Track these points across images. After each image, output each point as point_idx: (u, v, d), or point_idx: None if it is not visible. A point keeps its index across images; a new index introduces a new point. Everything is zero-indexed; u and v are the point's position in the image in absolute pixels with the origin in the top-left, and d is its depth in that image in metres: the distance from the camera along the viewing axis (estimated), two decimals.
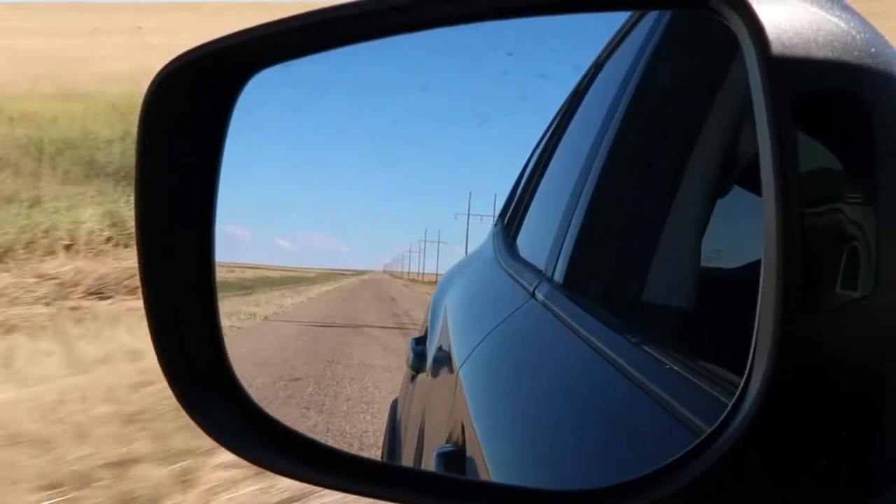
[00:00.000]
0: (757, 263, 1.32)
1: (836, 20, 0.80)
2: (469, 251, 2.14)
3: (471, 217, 1.78)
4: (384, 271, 1.99)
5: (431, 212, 1.92)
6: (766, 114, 0.77)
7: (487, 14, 1.09)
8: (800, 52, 0.78)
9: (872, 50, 0.79)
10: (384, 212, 1.96)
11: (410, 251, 1.88)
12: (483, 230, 2.11)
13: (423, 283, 1.98)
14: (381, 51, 1.23)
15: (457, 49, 1.49)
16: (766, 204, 0.81)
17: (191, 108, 1.07)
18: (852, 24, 0.80)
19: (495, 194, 1.91)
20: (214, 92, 1.11)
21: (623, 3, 1.15)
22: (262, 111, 1.37)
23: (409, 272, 1.97)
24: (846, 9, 0.82)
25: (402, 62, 1.53)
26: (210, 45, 1.05)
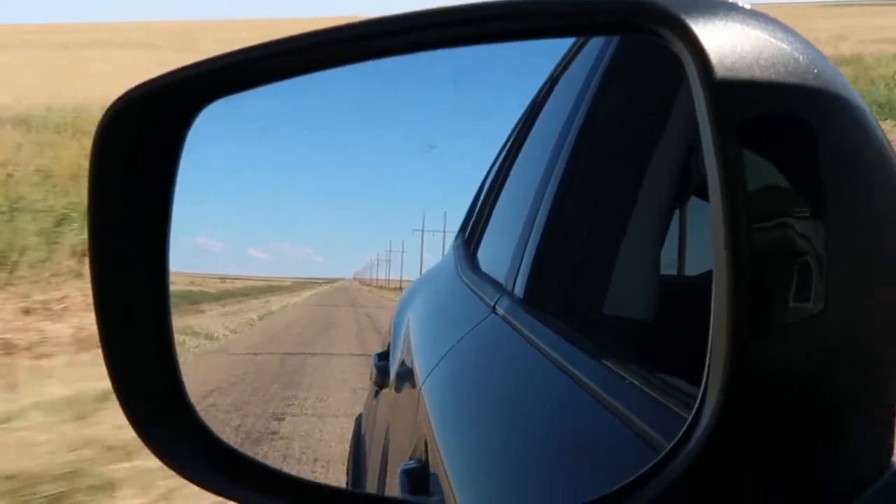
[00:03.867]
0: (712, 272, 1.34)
1: (778, 42, 0.81)
2: (424, 263, 2.25)
3: (425, 233, 1.91)
4: (354, 279, 2.17)
5: (397, 224, 2.03)
6: (712, 137, 0.78)
7: (436, 43, 1.09)
8: (743, 75, 0.78)
9: (815, 71, 0.80)
10: (355, 223, 2.06)
11: (378, 260, 2.05)
12: (438, 244, 2.22)
13: (387, 289, 2.19)
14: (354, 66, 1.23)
15: (417, 72, 1.49)
16: (715, 226, 0.81)
17: (142, 140, 1.07)
18: (795, 46, 0.81)
19: (445, 212, 2.00)
20: (166, 124, 1.10)
21: (568, 30, 1.15)
22: (229, 126, 1.37)
23: (377, 279, 2.13)
24: (788, 31, 0.82)
25: (369, 82, 1.54)
26: (162, 77, 1.04)
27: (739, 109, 0.78)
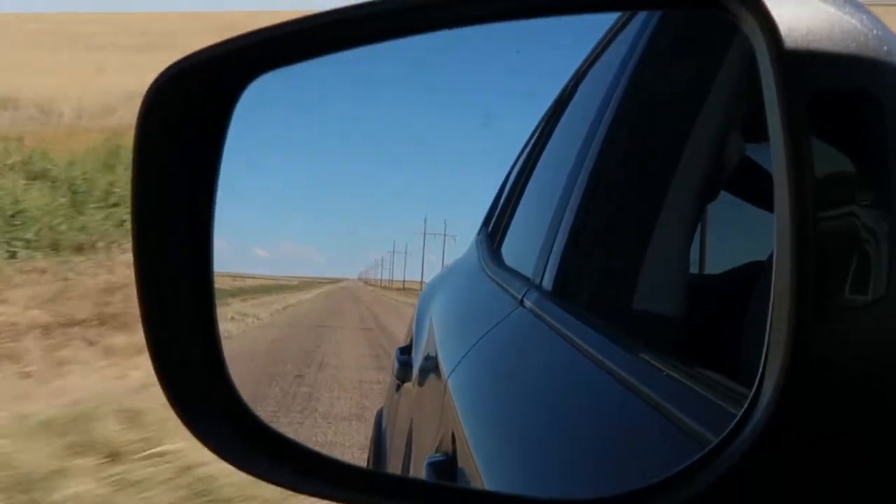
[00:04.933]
0: (743, 267, 1.33)
1: (849, 18, 0.79)
2: (426, 265, 2.34)
3: (431, 236, 2.01)
4: (359, 279, 2.35)
5: (401, 226, 2.07)
6: (780, 112, 0.76)
7: (488, 16, 1.08)
8: (814, 50, 0.77)
9: (886, 48, 0.78)
10: (360, 224, 2.09)
11: (382, 261, 2.21)
12: (450, 248, 2.28)
13: (390, 289, 2.50)
14: (364, 66, 1.23)
15: (438, 61, 1.49)
16: (779, 207, 0.80)
17: (188, 113, 1.06)
18: (865, 22, 0.80)
19: (445, 220, 2.03)
20: (211, 97, 1.09)
21: (637, 3, 1.13)
22: (239, 124, 1.38)
23: (381, 280, 2.34)
24: (859, 6, 0.81)
25: (378, 77, 1.54)
26: (206, 50, 1.03)
27: (809, 83, 0.77)
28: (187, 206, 1.06)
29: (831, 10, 0.79)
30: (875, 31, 0.79)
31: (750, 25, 0.81)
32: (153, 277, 1.07)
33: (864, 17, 0.80)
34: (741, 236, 1.55)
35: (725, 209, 1.45)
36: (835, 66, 0.77)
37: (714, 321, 1.32)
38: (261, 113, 1.47)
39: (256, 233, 2.12)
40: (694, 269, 1.44)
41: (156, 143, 1.02)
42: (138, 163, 1.01)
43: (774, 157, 0.78)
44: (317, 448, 1.14)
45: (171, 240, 1.07)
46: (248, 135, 1.62)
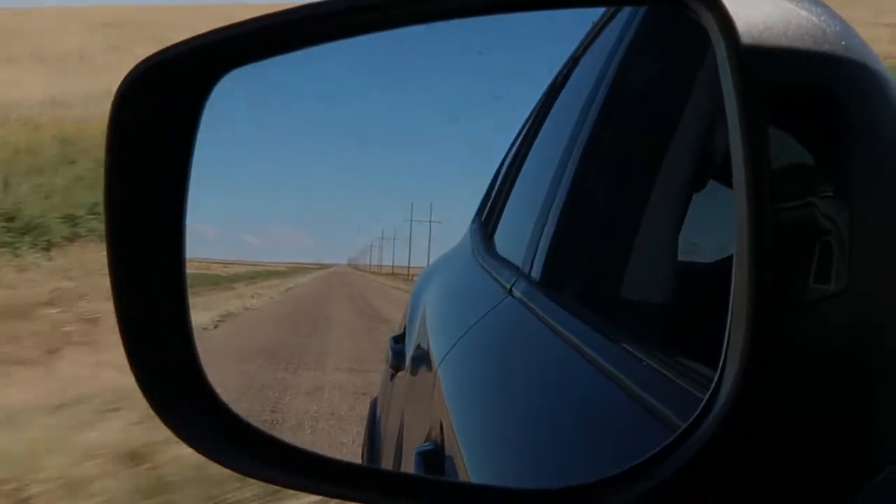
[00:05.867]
0: (731, 257, 1.33)
1: (806, 13, 0.79)
2: (412, 252, 2.37)
3: (422, 222, 2.04)
4: (349, 264, 2.43)
5: (391, 212, 2.09)
6: (737, 108, 0.76)
7: (459, 11, 1.08)
8: (770, 45, 0.77)
9: (843, 43, 0.79)
10: (351, 210, 2.11)
11: (371, 247, 2.29)
12: (438, 233, 2.29)
13: (379, 274, 2.72)
14: (350, 50, 1.23)
15: (429, 48, 1.48)
16: (738, 200, 0.80)
17: (161, 108, 1.06)
18: (823, 18, 0.80)
19: (431, 203, 2.04)
20: (185, 91, 1.09)
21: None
22: (227, 109, 1.38)
23: (370, 265, 2.45)
24: (816, 2, 0.81)
25: (371, 62, 1.54)
26: (180, 45, 1.04)
27: (766, 80, 0.77)
28: (160, 197, 1.07)
29: (789, 5, 0.79)
30: (832, 26, 0.79)
31: (708, 21, 0.81)
32: (126, 272, 1.07)
33: (822, 11, 0.80)
34: (730, 225, 1.55)
35: (714, 198, 1.45)
36: (792, 62, 0.77)
37: (702, 311, 1.33)
38: (249, 101, 1.48)
39: (246, 220, 2.13)
40: (683, 259, 1.44)
41: (128, 136, 1.03)
42: (111, 155, 1.02)
43: (733, 150, 0.79)
44: (294, 442, 1.15)
45: (144, 231, 1.08)
46: (236, 123, 1.63)
